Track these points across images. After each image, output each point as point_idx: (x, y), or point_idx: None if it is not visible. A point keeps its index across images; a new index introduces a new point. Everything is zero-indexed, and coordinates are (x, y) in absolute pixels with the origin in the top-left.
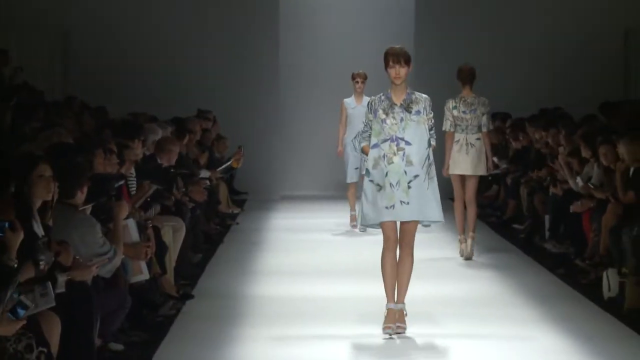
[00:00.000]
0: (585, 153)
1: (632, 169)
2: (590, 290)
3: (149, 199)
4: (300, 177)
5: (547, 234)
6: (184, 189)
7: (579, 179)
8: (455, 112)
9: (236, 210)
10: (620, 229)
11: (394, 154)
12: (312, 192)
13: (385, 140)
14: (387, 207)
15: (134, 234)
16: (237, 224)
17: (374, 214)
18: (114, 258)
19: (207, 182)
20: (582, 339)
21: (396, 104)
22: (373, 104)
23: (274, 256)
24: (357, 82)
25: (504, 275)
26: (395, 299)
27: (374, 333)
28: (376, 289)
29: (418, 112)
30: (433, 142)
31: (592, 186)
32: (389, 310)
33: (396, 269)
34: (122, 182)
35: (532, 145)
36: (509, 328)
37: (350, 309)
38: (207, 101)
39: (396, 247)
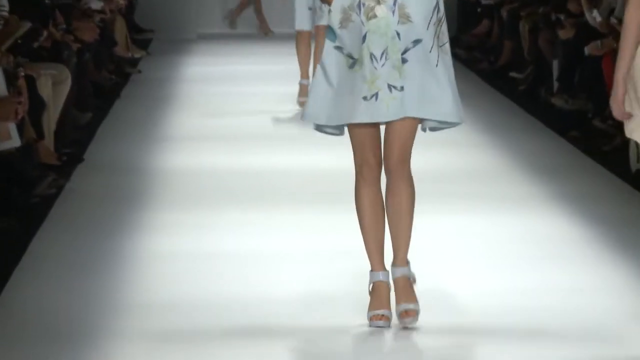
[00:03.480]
0: None
1: None
2: (613, 159)
3: (19, 41)
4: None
5: (555, 85)
6: (64, 26)
7: (595, 13)
8: None
9: (138, 54)
10: None
11: (378, 2)
12: (239, 30)
13: None
14: (365, 98)
15: (0, 87)
16: (139, 72)
17: (341, 106)
18: None
19: (99, 15)
20: (603, 225)
21: None
22: None
23: (187, 115)
24: None
25: (499, 142)
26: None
27: (309, 209)
28: (331, 159)
29: None
30: None
31: (615, 21)
32: (375, 285)
33: (383, 212)
34: None
35: None
36: (507, 212)
37: (281, 184)
38: None
39: (379, 173)
